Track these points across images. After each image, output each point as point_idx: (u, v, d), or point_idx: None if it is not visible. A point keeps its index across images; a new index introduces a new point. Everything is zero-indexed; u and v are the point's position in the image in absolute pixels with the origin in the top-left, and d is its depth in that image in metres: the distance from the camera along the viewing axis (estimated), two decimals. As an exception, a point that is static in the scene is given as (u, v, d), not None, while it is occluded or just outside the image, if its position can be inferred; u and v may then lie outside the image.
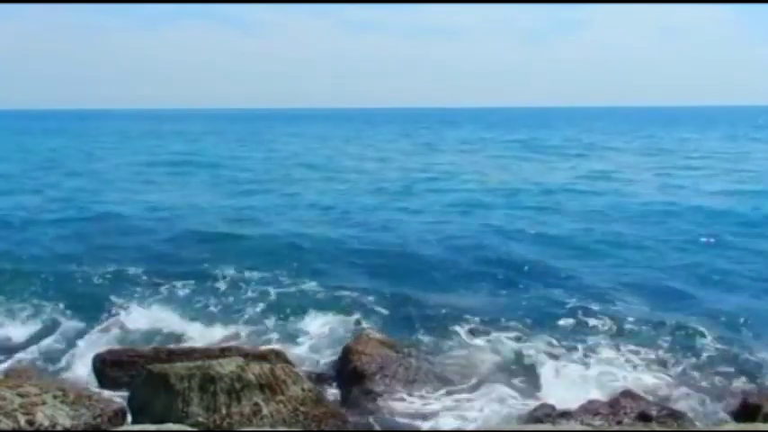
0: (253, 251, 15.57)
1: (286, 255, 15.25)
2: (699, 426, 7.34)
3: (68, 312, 11.40)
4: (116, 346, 9.57)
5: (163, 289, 12.66)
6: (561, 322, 10.99)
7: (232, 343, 9.93)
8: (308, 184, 28.17)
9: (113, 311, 11.44)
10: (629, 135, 68.33)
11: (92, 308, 11.59)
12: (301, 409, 7.01)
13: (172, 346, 9.63)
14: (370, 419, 7.66)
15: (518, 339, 10.27)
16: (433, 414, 7.86)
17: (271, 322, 11.06)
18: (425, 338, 10.38)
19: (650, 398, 7.97)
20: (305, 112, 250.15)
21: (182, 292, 12.49)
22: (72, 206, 22.38)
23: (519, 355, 9.68)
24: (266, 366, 7.21)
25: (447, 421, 7.72)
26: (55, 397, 6.61)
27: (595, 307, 11.58)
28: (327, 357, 9.65)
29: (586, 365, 9.38)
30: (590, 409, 7.44)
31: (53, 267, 14.03)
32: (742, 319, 10.98)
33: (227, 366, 6.96)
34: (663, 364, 9.50)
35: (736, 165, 35.09)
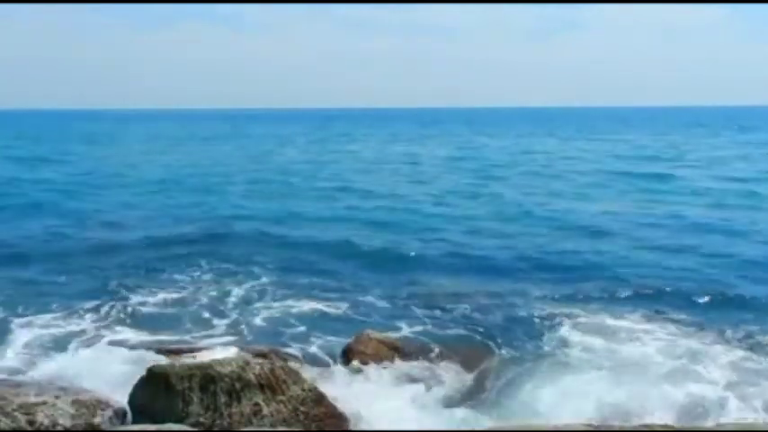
0: (253, 251, 15.58)
1: (286, 254, 15.26)
2: (699, 425, 7.33)
3: (67, 311, 11.39)
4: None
5: (163, 288, 12.64)
6: (567, 320, 10.95)
7: (232, 343, 9.91)
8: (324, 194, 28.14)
9: (113, 310, 11.42)
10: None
11: (91, 306, 11.58)
12: (301, 409, 7.01)
13: (172, 346, 9.61)
14: (370, 419, 7.65)
15: (520, 338, 10.26)
16: (434, 414, 7.84)
17: (271, 322, 11.04)
18: (426, 338, 10.37)
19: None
20: (305, 113, 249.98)
21: (182, 292, 12.47)
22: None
23: (521, 355, 9.68)
24: (266, 366, 7.21)
25: (448, 421, 7.70)
26: (56, 397, 6.62)
27: (594, 304, 11.60)
28: (327, 357, 9.64)
29: (587, 363, 9.36)
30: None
31: (48, 266, 14.04)
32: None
33: (227, 366, 6.97)
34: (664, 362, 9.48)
35: None
